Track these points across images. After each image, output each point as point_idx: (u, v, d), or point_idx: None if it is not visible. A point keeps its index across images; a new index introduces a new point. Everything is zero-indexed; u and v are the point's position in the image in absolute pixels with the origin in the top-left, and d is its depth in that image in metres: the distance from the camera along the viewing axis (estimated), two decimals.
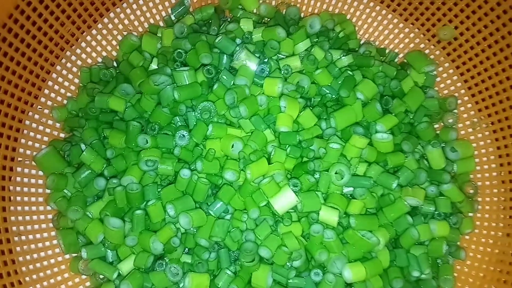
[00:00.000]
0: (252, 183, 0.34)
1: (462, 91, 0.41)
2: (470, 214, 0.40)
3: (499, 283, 0.36)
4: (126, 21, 0.40)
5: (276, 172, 0.34)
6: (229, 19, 0.42)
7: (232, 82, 0.35)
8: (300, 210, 0.34)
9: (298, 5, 0.43)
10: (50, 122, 0.37)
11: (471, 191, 0.39)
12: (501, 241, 0.37)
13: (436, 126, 0.42)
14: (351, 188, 0.36)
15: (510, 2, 0.35)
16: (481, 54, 0.38)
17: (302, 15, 0.44)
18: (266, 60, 0.38)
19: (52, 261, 0.35)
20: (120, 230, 0.33)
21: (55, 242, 0.35)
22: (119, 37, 0.40)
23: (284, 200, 0.33)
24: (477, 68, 0.39)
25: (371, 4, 0.43)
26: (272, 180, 0.33)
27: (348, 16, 0.43)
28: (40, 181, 0.36)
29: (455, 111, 0.42)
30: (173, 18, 0.41)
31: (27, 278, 0.33)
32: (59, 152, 0.36)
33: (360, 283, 0.34)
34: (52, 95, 0.37)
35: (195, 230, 0.34)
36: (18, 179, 0.34)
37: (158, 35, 0.40)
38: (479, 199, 0.40)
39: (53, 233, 0.36)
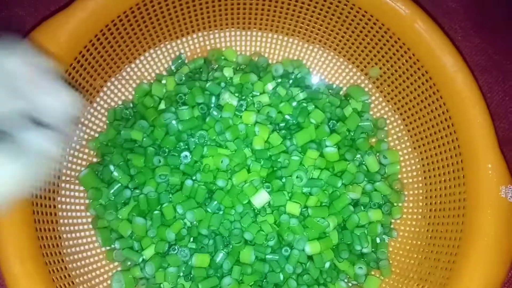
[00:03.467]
0: (237, 187, 0.46)
1: (390, 113, 0.53)
2: (399, 204, 0.51)
3: (418, 252, 0.47)
4: (138, 73, 0.51)
5: (254, 179, 0.46)
6: (215, 67, 0.53)
7: (220, 115, 0.48)
8: (272, 205, 0.45)
9: (266, 55, 0.55)
10: (86, 150, 0.49)
11: (399, 187, 0.52)
12: (420, 221, 0.49)
13: (373, 140, 0.53)
14: (309, 188, 0.46)
15: (413, 50, 0.47)
16: (399, 86, 0.50)
17: (270, 61, 0.55)
18: (243, 98, 0.49)
19: (93, 252, 0.46)
20: (144, 225, 0.44)
21: (94, 238, 0.46)
22: (134, 85, 0.52)
23: (260, 198, 0.44)
24: (398, 96, 0.51)
25: (322, 49, 0.54)
26: (251, 184, 0.45)
27: (304, 61, 0.55)
28: (81, 194, 0.47)
29: (385, 128, 0.53)
30: (173, 68, 0.53)
31: (70, 265, 0.43)
32: (95, 172, 0.48)
33: (317, 255, 0.45)
34: (88, 130, 0.49)
35: (197, 223, 0.45)
36: (67, 193, 0.46)
37: (163, 82, 0.51)
38: (405, 193, 0.51)
39: (92, 232, 0.47)
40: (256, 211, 0.45)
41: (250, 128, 0.47)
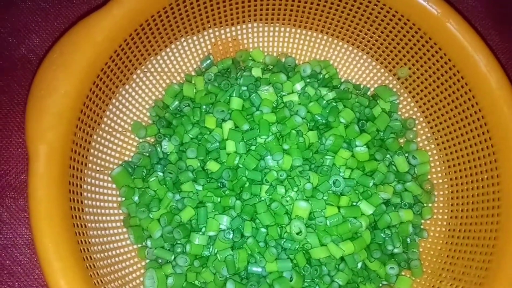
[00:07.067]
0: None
1: (418, 114, 0.53)
2: (430, 205, 0.51)
3: (450, 251, 0.47)
4: (163, 65, 0.51)
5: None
6: (243, 68, 0.54)
7: (259, 102, 0.47)
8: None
9: (293, 55, 0.55)
10: (118, 148, 0.49)
11: (429, 187, 0.52)
12: (450, 222, 0.48)
13: (401, 140, 0.53)
14: (340, 188, 0.46)
15: (445, 50, 0.48)
16: (429, 86, 0.50)
17: (297, 62, 0.55)
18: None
19: (126, 249, 0.46)
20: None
21: (126, 236, 0.46)
22: (158, 77, 0.52)
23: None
24: (427, 97, 0.51)
25: (350, 48, 0.54)
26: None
27: (331, 62, 0.55)
28: (113, 191, 0.48)
29: (414, 129, 0.53)
30: (202, 68, 0.53)
31: (99, 263, 0.41)
32: (128, 170, 0.48)
33: (350, 255, 0.44)
34: (118, 121, 0.49)
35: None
36: (102, 189, 0.47)
37: (192, 82, 0.52)
38: (435, 193, 0.51)
39: (123, 230, 0.47)
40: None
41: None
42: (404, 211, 0.48)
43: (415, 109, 0.54)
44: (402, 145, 0.53)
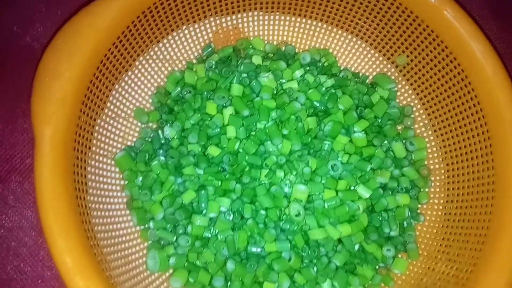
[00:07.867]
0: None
1: (416, 101, 0.54)
2: (426, 189, 0.51)
3: (445, 234, 0.48)
4: (165, 53, 0.52)
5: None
6: (244, 55, 0.55)
7: (259, 89, 0.48)
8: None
9: (293, 44, 0.56)
10: (120, 133, 0.51)
11: (425, 172, 0.53)
12: (446, 206, 0.49)
13: (398, 127, 0.54)
14: (338, 172, 0.48)
15: (442, 38, 0.48)
16: (426, 74, 0.51)
17: (296, 50, 0.56)
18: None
19: (129, 230, 0.47)
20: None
21: (129, 218, 0.48)
22: (160, 64, 0.52)
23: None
24: (425, 84, 0.52)
25: (349, 36, 0.55)
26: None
27: (330, 50, 0.56)
28: (116, 174, 0.49)
29: (412, 116, 0.53)
30: (203, 56, 0.54)
31: (103, 242, 0.42)
32: (130, 154, 0.49)
33: (347, 237, 0.46)
34: (121, 106, 0.50)
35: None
36: (103, 172, 0.48)
37: (193, 69, 0.53)
38: (432, 178, 0.52)
39: (126, 212, 0.48)
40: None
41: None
42: (401, 195, 0.49)
43: (413, 96, 0.54)
44: (400, 132, 0.54)
